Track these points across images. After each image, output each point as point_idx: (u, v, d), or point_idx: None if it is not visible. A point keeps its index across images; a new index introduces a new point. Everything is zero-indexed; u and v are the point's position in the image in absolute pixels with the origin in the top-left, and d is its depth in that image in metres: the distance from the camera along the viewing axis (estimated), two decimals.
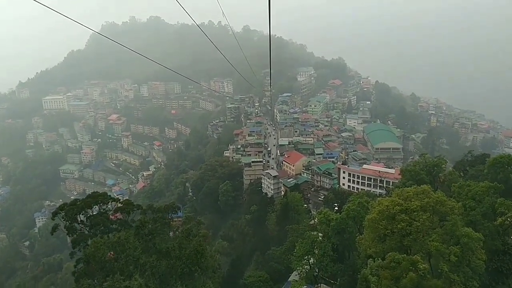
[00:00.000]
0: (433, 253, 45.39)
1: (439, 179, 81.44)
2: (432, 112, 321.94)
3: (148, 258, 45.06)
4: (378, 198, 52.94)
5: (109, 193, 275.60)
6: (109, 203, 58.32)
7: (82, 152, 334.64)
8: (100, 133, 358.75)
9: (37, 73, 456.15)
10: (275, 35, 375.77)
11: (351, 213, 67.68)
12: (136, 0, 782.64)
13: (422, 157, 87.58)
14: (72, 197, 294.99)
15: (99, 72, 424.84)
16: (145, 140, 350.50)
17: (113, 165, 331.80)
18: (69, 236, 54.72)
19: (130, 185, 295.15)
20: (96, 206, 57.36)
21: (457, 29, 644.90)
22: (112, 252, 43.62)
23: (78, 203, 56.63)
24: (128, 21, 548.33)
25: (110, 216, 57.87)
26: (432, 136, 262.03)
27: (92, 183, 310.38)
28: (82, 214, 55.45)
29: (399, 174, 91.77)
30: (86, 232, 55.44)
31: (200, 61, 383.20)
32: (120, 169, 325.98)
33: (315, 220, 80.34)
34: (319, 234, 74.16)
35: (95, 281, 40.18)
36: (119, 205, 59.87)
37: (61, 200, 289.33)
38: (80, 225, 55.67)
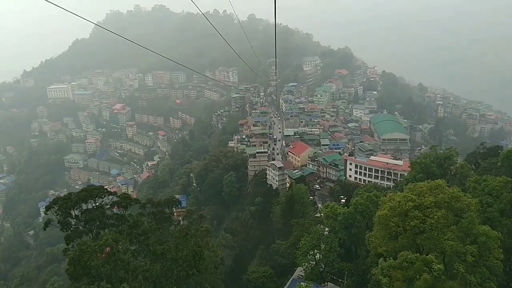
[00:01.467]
0: (448, 252, 42.60)
1: (450, 172, 78.44)
2: (439, 102, 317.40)
3: (140, 261, 42.43)
4: (389, 193, 50.17)
5: (113, 183, 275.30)
6: (106, 197, 55.75)
7: (87, 142, 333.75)
8: (104, 122, 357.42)
9: (41, 62, 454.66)
10: (281, 24, 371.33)
11: (359, 207, 65.22)
12: None
13: (433, 149, 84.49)
14: (76, 187, 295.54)
15: (103, 61, 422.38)
16: (149, 129, 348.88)
17: (117, 154, 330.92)
18: (63, 231, 52.34)
19: (134, 175, 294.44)
20: (92, 200, 54.88)
21: (464, 23, 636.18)
22: (103, 253, 40.86)
23: (73, 197, 54.15)
24: (133, 10, 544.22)
25: (107, 210, 55.39)
26: (439, 127, 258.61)
27: (97, 173, 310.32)
28: (77, 209, 53.06)
29: (408, 167, 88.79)
30: (81, 228, 53.14)
31: (205, 50, 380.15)
32: (125, 158, 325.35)
33: (321, 214, 77.69)
34: (325, 228, 71.83)
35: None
36: (116, 199, 57.34)
37: (65, 190, 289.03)
38: (75, 220, 53.36)
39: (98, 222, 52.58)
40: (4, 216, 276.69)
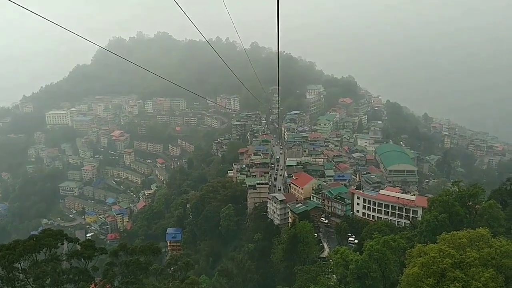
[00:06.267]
0: None
1: (476, 211, 68.92)
2: (445, 133, 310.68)
3: None
4: (418, 245, 40.60)
5: (108, 212, 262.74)
6: (64, 244, 45.70)
7: (83, 169, 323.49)
8: (102, 149, 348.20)
9: (41, 87, 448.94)
10: (284, 52, 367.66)
11: (374, 253, 55.86)
12: (144, 15, 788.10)
13: (455, 185, 74.99)
14: (71, 216, 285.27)
15: (104, 87, 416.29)
16: (148, 157, 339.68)
17: (114, 182, 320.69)
18: None
19: (130, 204, 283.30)
20: (46, 250, 44.92)
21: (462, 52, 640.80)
22: None
23: (19, 246, 44.61)
24: (136, 37, 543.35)
25: (66, 262, 45.36)
26: (447, 159, 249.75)
27: (92, 201, 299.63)
28: (25, 260, 43.23)
29: (428, 205, 79.32)
30: (30, 286, 43.16)
31: (207, 77, 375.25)
32: (121, 187, 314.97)
33: (329, 260, 67.78)
34: (333, 275, 62.24)
35: None
36: (78, 246, 47.29)
37: (59, 219, 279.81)
38: (22, 274, 43.63)
39: (50, 278, 42.69)
40: None
